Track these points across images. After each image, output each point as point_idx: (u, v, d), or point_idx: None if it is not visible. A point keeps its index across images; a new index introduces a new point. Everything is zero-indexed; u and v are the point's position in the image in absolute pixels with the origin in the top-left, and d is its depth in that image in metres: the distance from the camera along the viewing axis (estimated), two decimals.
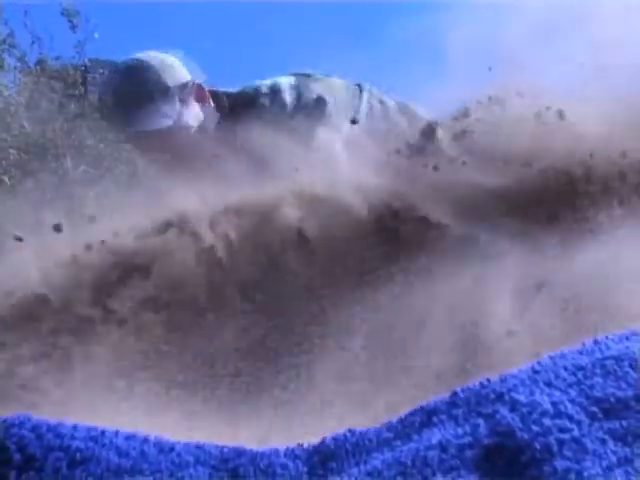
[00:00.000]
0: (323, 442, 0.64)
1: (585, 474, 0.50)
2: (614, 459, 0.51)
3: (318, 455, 0.62)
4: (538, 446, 0.52)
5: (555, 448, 0.51)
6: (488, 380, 0.62)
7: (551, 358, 0.62)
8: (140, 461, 0.58)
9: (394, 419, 0.64)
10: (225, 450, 0.62)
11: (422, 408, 0.63)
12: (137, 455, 0.58)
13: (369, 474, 0.55)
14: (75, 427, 0.60)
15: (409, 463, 0.53)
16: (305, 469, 0.61)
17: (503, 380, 0.60)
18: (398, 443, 0.60)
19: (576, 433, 0.52)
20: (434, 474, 0.52)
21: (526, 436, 0.52)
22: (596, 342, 0.63)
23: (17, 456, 0.57)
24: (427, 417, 0.61)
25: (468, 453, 0.52)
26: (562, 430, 0.53)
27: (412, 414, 0.63)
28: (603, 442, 0.52)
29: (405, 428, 0.61)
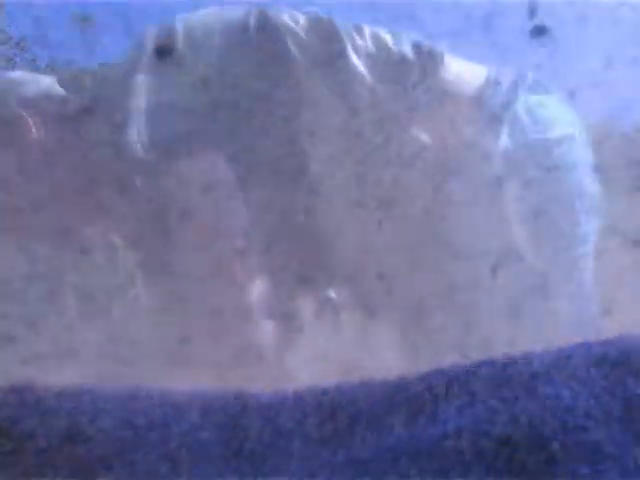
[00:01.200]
0: (337, 389, 0.63)
1: (602, 478, 0.50)
2: (632, 465, 0.50)
3: (329, 404, 0.61)
4: (556, 445, 0.50)
5: (573, 449, 0.50)
6: (513, 358, 0.61)
7: (578, 346, 0.61)
8: (147, 431, 0.56)
9: (411, 377, 0.63)
10: (231, 403, 0.61)
11: (442, 372, 0.61)
12: (143, 424, 0.57)
13: (385, 451, 0.54)
14: (77, 395, 0.58)
15: (425, 450, 0.53)
16: (314, 420, 0.60)
17: (527, 364, 0.59)
18: (412, 410, 0.58)
19: (595, 434, 0.51)
20: (449, 463, 0.51)
21: (545, 433, 0.51)
22: (621, 334, 0.62)
23: (25, 443, 0.55)
24: (446, 384, 0.60)
25: (485, 443, 0.51)
26: (582, 429, 0.51)
27: (431, 376, 0.61)
28: (622, 446, 0.51)
29: (421, 392, 0.60)
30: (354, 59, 1.34)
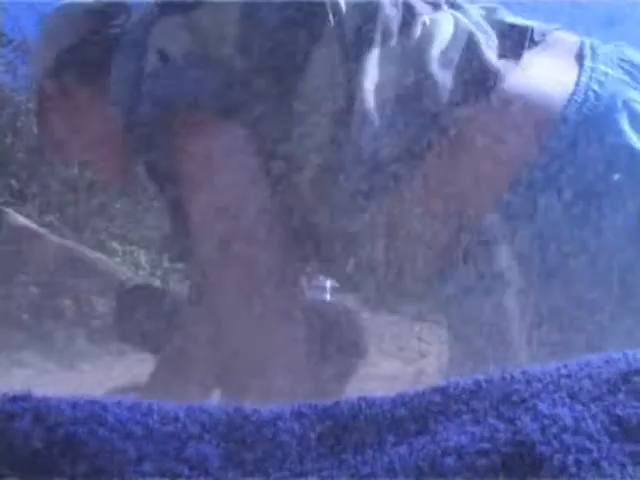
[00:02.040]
0: (337, 405, 0.63)
1: None
2: None
3: (329, 420, 0.61)
4: (556, 463, 0.50)
5: (573, 468, 0.50)
6: (512, 376, 0.61)
7: (577, 364, 0.61)
8: (145, 443, 0.56)
9: (411, 392, 0.63)
10: (231, 415, 0.61)
11: (443, 390, 0.62)
12: (142, 435, 0.57)
13: (383, 469, 0.55)
14: (76, 405, 0.58)
15: (426, 468, 0.53)
16: (313, 434, 0.60)
17: (527, 382, 0.59)
18: (413, 427, 0.59)
19: (595, 454, 0.51)
20: None
21: (545, 451, 0.51)
22: (623, 353, 0.62)
23: (23, 453, 0.55)
24: (446, 402, 0.60)
25: (484, 461, 0.52)
26: (581, 449, 0.51)
27: (431, 393, 0.62)
28: (622, 466, 0.51)
29: (422, 408, 0.60)
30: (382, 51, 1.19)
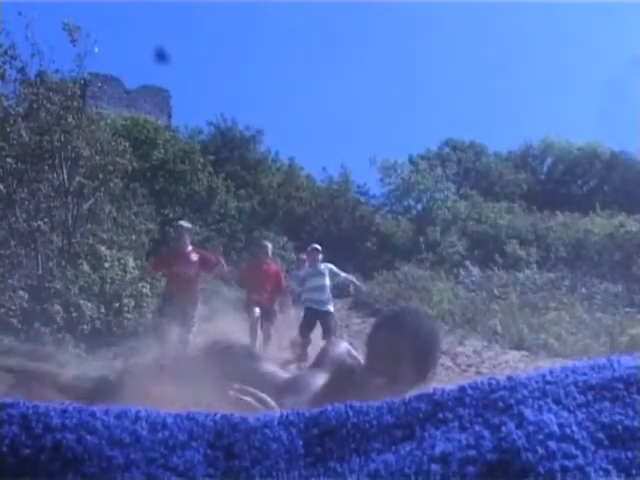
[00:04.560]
0: (323, 413, 0.63)
1: None
2: None
3: (317, 428, 0.61)
4: (542, 470, 0.51)
5: (559, 475, 0.50)
6: (497, 383, 0.61)
7: (563, 371, 0.61)
8: (133, 450, 0.56)
9: (397, 400, 0.63)
10: (219, 423, 0.61)
11: (429, 397, 0.62)
12: (130, 442, 0.57)
13: (370, 476, 0.55)
14: (64, 412, 0.59)
15: (412, 475, 0.53)
16: (301, 442, 0.60)
17: (512, 389, 0.59)
18: (399, 433, 0.59)
19: (580, 460, 0.51)
20: None
21: (531, 458, 0.51)
22: (608, 359, 0.62)
23: (11, 459, 0.55)
24: (432, 409, 0.60)
25: (471, 469, 0.52)
26: (567, 456, 0.52)
27: (418, 400, 0.62)
28: (607, 472, 0.51)
29: (408, 415, 0.60)
30: None
